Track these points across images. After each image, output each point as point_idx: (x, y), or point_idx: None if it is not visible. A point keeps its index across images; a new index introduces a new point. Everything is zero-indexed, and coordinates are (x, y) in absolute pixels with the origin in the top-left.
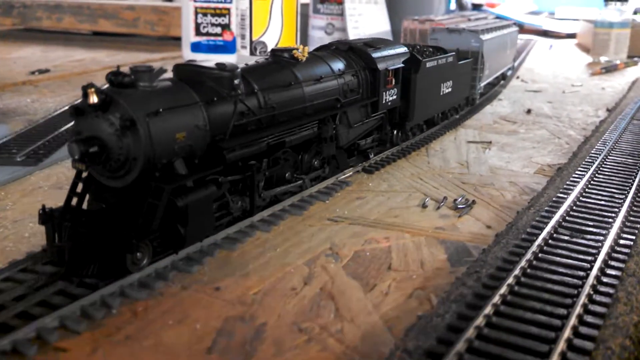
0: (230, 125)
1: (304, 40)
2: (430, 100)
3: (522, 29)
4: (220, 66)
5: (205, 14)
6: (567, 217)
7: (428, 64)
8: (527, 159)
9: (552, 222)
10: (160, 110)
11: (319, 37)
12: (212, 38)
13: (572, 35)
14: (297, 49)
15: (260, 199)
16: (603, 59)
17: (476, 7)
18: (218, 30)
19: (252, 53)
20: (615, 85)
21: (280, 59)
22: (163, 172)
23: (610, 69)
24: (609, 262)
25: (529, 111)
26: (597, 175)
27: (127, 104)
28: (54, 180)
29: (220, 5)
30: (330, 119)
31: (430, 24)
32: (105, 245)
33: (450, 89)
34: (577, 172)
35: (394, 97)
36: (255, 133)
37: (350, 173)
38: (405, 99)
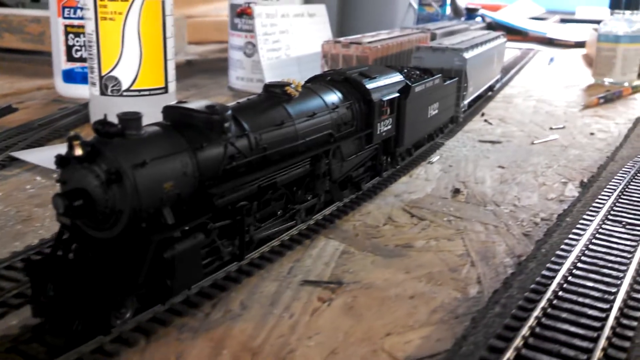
0: (220, 169)
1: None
2: (418, 123)
3: (526, 36)
4: (211, 109)
5: (78, 34)
6: None
7: (417, 89)
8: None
9: None
10: (147, 160)
11: (237, 60)
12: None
13: (581, 44)
14: (291, 84)
15: (251, 241)
16: (607, 80)
17: (471, 12)
18: None
19: (102, 92)
20: (611, 126)
21: (273, 95)
22: (150, 222)
23: (611, 98)
24: None
25: (456, 191)
26: None
27: (113, 155)
28: None
29: None
30: (323, 155)
31: (357, 47)
32: (90, 301)
33: (436, 111)
34: None
35: (389, 127)
36: (245, 176)
37: None
38: (396, 125)
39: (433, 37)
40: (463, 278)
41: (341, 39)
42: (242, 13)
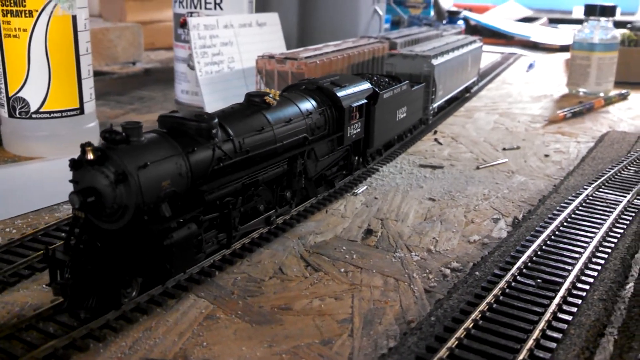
0: (209, 170)
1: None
2: (387, 126)
3: (511, 40)
4: (199, 118)
5: None
6: None
7: (385, 95)
8: None
9: None
10: (149, 163)
11: (182, 72)
12: None
13: (566, 48)
14: (269, 94)
15: (237, 232)
16: (582, 90)
17: (453, 15)
18: None
19: (11, 114)
20: (571, 146)
21: (253, 103)
22: (151, 215)
23: (579, 111)
24: None
25: (369, 232)
26: None
27: (120, 159)
28: None
29: None
30: (299, 156)
31: (292, 63)
32: (102, 281)
33: (405, 114)
34: None
35: (358, 130)
36: (231, 175)
37: None
38: (366, 128)
39: (393, 47)
40: (333, 354)
41: (275, 53)
42: (185, 23)
